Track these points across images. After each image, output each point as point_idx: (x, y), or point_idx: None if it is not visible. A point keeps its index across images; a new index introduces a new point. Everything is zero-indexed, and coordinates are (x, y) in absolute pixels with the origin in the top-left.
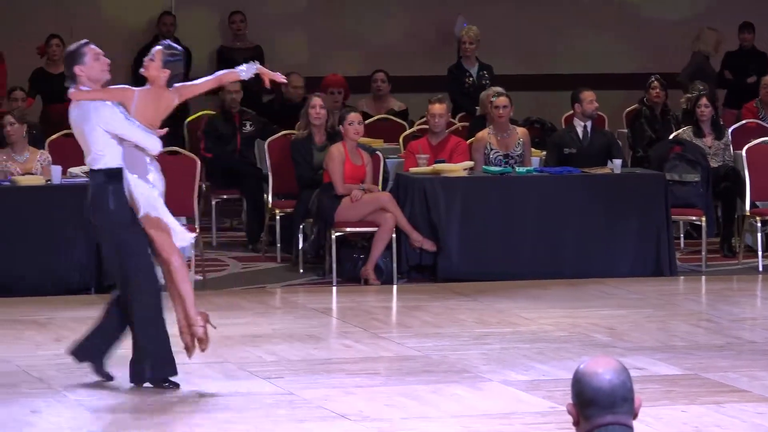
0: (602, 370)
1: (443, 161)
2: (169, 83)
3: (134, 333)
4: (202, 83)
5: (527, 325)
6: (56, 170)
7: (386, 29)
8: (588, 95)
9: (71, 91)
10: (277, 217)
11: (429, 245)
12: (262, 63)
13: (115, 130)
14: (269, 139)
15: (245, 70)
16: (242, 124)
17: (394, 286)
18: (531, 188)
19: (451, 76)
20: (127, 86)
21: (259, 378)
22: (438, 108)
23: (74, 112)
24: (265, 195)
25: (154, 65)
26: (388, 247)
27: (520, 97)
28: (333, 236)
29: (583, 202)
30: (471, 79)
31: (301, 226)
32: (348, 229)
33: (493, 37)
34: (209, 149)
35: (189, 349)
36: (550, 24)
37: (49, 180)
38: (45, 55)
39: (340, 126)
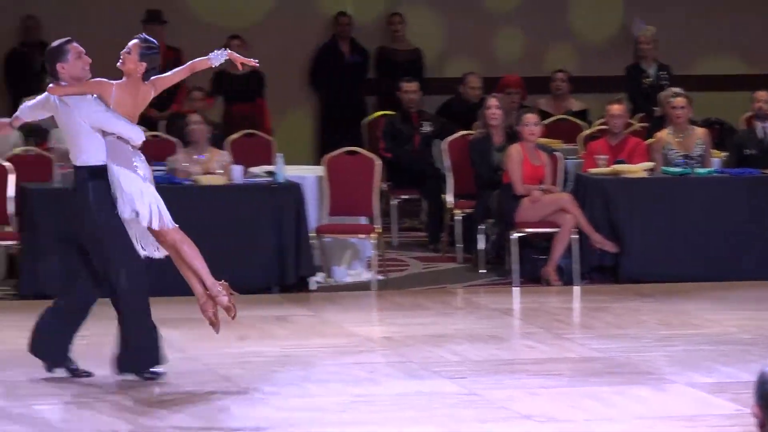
0: None
1: (623, 162)
2: (146, 76)
3: (122, 329)
4: (175, 73)
5: (711, 327)
6: (237, 170)
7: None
8: (761, 95)
9: (50, 86)
10: (458, 218)
11: (610, 246)
12: (420, 65)
13: (98, 122)
14: (449, 139)
15: (215, 57)
16: (420, 124)
17: (576, 287)
18: (711, 189)
19: (628, 77)
20: (104, 80)
21: (443, 377)
22: (617, 109)
23: (60, 110)
24: (443, 195)
25: (131, 58)
26: (569, 247)
27: (701, 98)
28: (514, 237)
29: (764, 203)
30: (649, 79)
31: (481, 227)
32: (529, 230)
33: (673, 37)
34: (388, 149)
35: (215, 324)
36: (728, 25)
37: (231, 179)
38: None
39: (517, 126)
